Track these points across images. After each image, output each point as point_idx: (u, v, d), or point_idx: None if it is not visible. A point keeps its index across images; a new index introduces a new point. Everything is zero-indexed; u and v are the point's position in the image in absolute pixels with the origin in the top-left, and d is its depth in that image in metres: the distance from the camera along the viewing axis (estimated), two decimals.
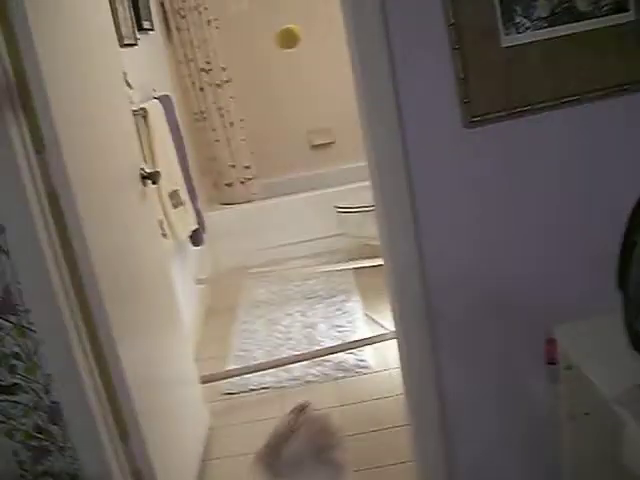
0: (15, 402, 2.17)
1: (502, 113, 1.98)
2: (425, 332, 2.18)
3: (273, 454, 2.01)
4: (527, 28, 1.95)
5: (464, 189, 2.07)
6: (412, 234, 2.08)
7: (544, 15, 1.94)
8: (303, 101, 6.13)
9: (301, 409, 2.08)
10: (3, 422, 2.18)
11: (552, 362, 2.10)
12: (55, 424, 2.20)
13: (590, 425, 1.98)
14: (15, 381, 2.15)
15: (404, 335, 2.21)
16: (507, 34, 1.94)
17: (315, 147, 6.30)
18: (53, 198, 2.11)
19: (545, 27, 1.95)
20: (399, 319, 2.21)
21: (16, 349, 2.12)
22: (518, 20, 1.94)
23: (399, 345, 2.33)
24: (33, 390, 2.16)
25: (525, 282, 2.15)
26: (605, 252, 1.92)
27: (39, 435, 2.21)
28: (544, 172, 2.06)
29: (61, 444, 2.22)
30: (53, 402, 2.17)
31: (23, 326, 2.09)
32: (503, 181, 2.06)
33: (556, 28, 1.95)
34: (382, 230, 2.17)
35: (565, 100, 1.99)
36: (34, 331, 2.10)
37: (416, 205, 2.06)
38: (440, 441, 2.28)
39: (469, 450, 2.32)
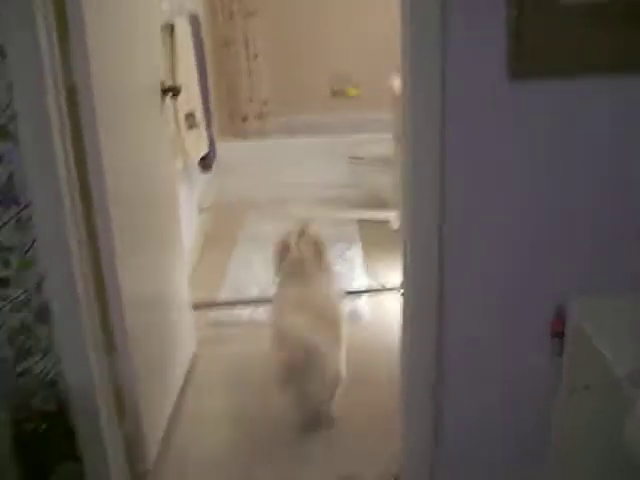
0: (4, 296, 2.11)
1: (549, 71, 1.89)
2: (434, 287, 2.11)
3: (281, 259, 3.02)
4: None
5: (498, 143, 1.99)
6: (437, 187, 2.00)
7: None
8: (330, 44, 5.99)
9: (301, 233, 2.99)
10: None
11: (557, 335, 2.05)
12: (42, 325, 2.14)
13: (588, 399, 1.96)
14: (7, 274, 2.09)
15: (412, 285, 2.15)
16: None
17: (336, 92, 6.18)
18: (72, 92, 2.02)
19: None
20: (410, 268, 2.14)
21: (12, 242, 2.05)
22: None
23: (405, 296, 2.26)
24: (24, 287, 2.10)
25: (543, 249, 2.08)
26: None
27: (25, 334, 2.15)
28: (583, 138, 1.97)
29: (45, 347, 2.17)
30: (43, 302, 2.11)
31: (22, 219, 2.02)
32: (539, 141, 1.98)
33: None
34: (405, 180, 2.09)
35: (618, 69, 1.90)
36: (32, 226, 2.03)
37: (446, 158, 1.98)
38: (431, 401, 2.23)
39: (460, 413, 2.27)
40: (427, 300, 2.13)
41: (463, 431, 2.30)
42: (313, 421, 2.85)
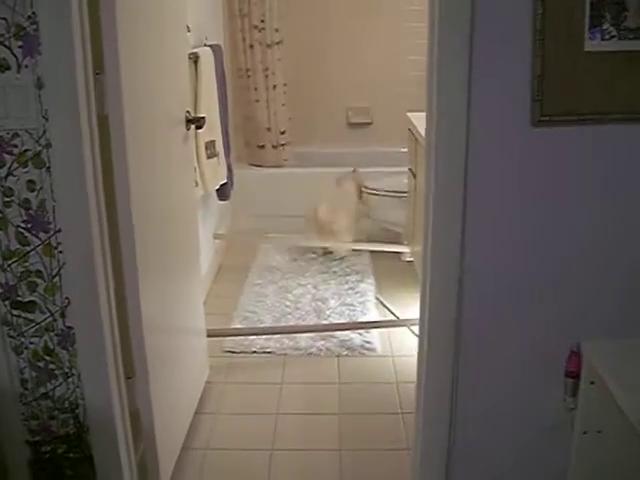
0: (29, 320, 2.15)
1: (571, 117, 1.94)
2: (450, 327, 2.15)
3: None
4: (613, 36, 1.89)
5: (516, 187, 2.03)
6: (459, 225, 2.04)
7: (632, 27, 1.89)
8: (348, 78, 6.07)
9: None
10: (14, 337, 2.17)
11: (572, 375, 2.08)
12: (65, 349, 2.18)
13: (600, 443, 1.97)
14: (33, 299, 2.13)
15: (429, 323, 2.18)
16: (591, 39, 1.89)
17: (352, 125, 6.25)
18: (103, 121, 2.08)
19: (630, 38, 1.89)
20: (427, 305, 2.18)
21: (39, 267, 2.10)
22: (605, 27, 1.88)
23: (421, 331, 2.29)
24: (49, 311, 2.15)
25: (559, 291, 2.12)
26: None
27: (47, 357, 2.19)
28: (602, 184, 2.02)
29: (67, 370, 2.21)
30: (67, 326, 2.16)
31: (51, 245, 2.07)
32: (557, 186, 2.02)
33: None
34: (426, 215, 2.13)
35: (637, 116, 1.94)
36: (61, 252, 2.08)
37: (467, 196, 2.02)
38: (446, 439, 2.26)
39: (472, 448, 2.29)
40: (444, 336, 2.17)
41: (475, 469, 2.33)
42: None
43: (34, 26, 1.88)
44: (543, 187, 2.02)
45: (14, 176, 2.01)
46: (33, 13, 1.87)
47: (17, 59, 1.91)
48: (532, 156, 2.00)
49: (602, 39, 1.90)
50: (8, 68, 1.92)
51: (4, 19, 1.88)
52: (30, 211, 2.04)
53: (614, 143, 1.98)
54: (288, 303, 4.30)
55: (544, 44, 1.88)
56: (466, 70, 1.91)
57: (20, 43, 1.90)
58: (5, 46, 1.90)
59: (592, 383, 1.93)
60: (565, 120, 1.95)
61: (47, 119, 1.95)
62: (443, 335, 2.17)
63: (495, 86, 1.94)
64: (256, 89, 5.74)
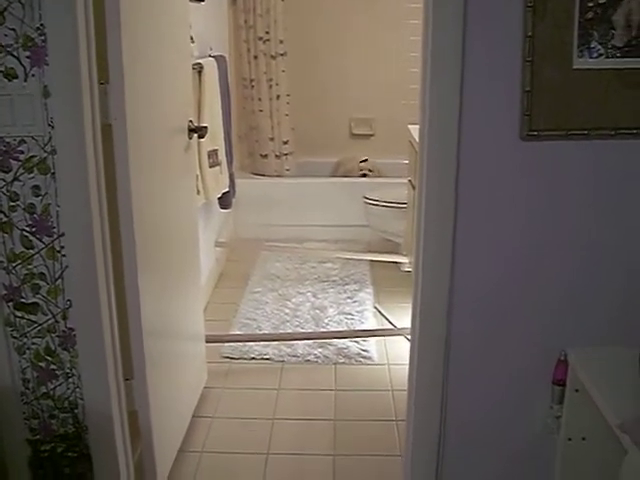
0: (32, 321, 2.21)
1: (560, 132, 2.00)
2: (440, 337, 2.20)
3: None
4: (600, 54, 1.96)
5: (506, 200, 2.09)
6: (449, 236, 2.10)
7: (619, 45, 1.95)
8: (351, 89, 6.15)
9: None
10: (16, 338, 2.23)
11: (559, 383, 2.13)
12: (66, 350, 2.24)
13: (585, 450, 2.02)
14: (36, 301, 2.19)
15: (420, 333, 2.24)
16: (580, 56, 1.95)
17: (355, 136, 6.32)
18: (107, 129, 2.15)
19: (618, 57, 1.96)
20: (418, 317, 2.23)
21: (43, 270, 2.16)
22: (593, 45, 1.95)
23: (412, 341, 2.35)
24: (51, 313, 2.21)
25: (549, 301, 2.17)
26: (636, 289, 1.96)
27: (49, 358, 2.25)
28: (588, 197, 2.07)
29: (68, 371, 2.26)
30: (69, 328, 2.21)
31: (54, 248, 2.14)
32: (546, 200, 2.08)
33: (628, 59, 1.96)
34: (418, 228, 2.19)
35: (622, 132, 2.00)
36: (64, 255, 2.14)
37: (457, 208, 2.08)
38: (436, 446, 2.31)
39: (462, 455, 2.35)
40: (435, 346, 2.22)
41: (465, 476, 2.38)
42: None
43: (42, 37, 1.95)
44: (532, 200, 2.08)
45: (20, 181, 2.07)
46: (41, 25, 1.94)
47: (25, 68, 1.98)
48: (521, 169, 2.06)
49: (590, 57, 1.96)
50: (16, 77, 1.99)
51: (13, 30, 1.95)
52: (35, 215, 2.11)
53: (601, 158, 2.04)
54: (287, 311, 4.36)
55: (533, 61, 1.95)
56: (457, 86, 1.98)
57: (28, 53, 1.97)
58: (13, 56, 1.97)
59: (577, 391, 1.98)
60: (554, 135, 2.01)
61: (53, 127, 2.02)
62: (433, 345, 2.23)
63: (485, 101, 2.01)
64: (260, 99, 5.82)
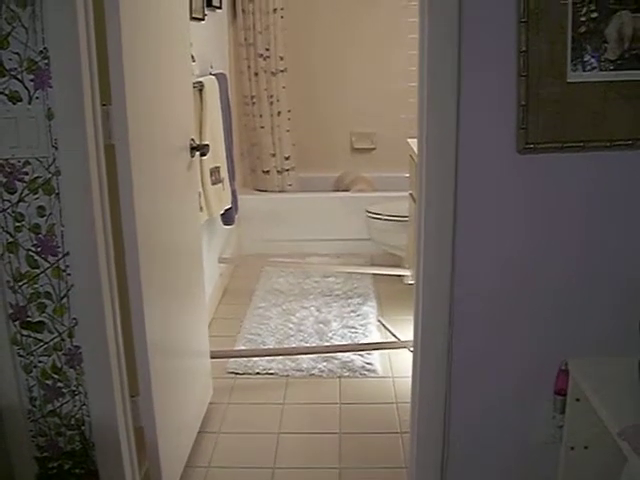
0: (38, 340, 2.24)
1: (556, 145, 2.03)
2: (442, 348, 2.23)
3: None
4: (594, 68, 1.99)
5: (504, 211, 2.12)
6: (449, 249, 2.13)
7: (612, 58, 1.99)
8: (351, 103, 6.18)
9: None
10: (23, 356, 2.26)
11: (561, 393, 2.15)
12: (72, 368, 2.27)
13: (587, 458, 2.04)
14: (42, 319, 2.22)
15: (422, 346, 2.26)
16: (574, 70, 1.99)
17: (356, 150, 6.36)
18: (109, 150, 2.18)
19: (611, 70, 1.99)
20: (420, 330, 2.26)
21: (48, 289, 2.19)
22: (587, 59, 1.98)
23: (414, 354, 2.37)
24: (57, 331, 2.23)
25: (548, 312, 2.19)
26: (633, 299, 1.98)
27: (55, 376, 2.28)
28: (585, 209, 2.10)
29: (74, 388, 2.29)
30: (75, 346, 2.24)
31: (59, 268, 2.17)
32: (543, 211, 2.11)
33: (621, 72, 2.00)
34: (418, 241, 2.22)
35: (618, 143, 2.03)
36: (69, 274, 2.17)
37: (457, 220, 2.11)
38: (439, 454, 2.33)
39: (467, 464, 2.36)
40: (437, 358, 2.25)
41: None
42: None
43: (45, 61, 1.99)
44: (530, 211, 2.11)
45: (25, 202, 2.11)
46: (45, 48, 1.98)
47: (29, 91, 2.02)
48: (519, 182, 2.09)
49: (584, 70, 2.00)
50: (20, 100, 2.03)
51: (17, 54, 1.99)
52: (40, 235, 2.14)
53: (598, 169, 2.07)
54: (291, 325, 4.38)
55: (528, 75, 1.98)
56: (454, 100, 2.01)
57: (32, 77, 2.01)
58: (17, 79, 2.01)
59: (578, 400, 2.00)
60: (550, 147, 2.04)
61: (57, 148, 2.06)
62: (435, 357, 2.26)
63: (482, 116, 2.04)
64: (261, 116, 5.86)
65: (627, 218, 2.11)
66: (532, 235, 2.13)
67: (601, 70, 2.00)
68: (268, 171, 5.97)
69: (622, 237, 2.13)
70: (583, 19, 1.96)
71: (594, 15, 1.95)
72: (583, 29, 1.96)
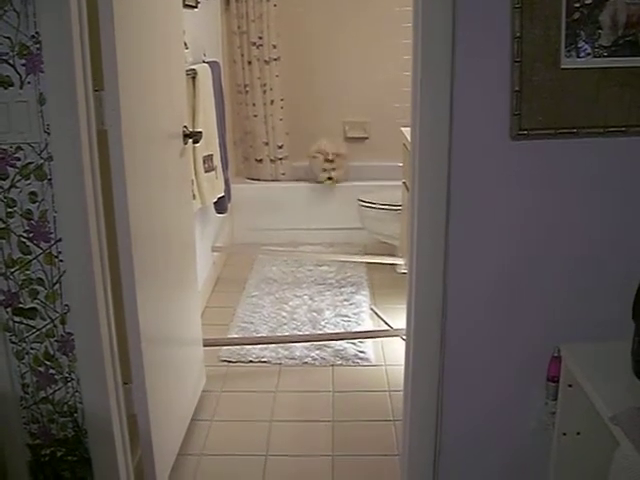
0: (31, 326, 2.23)
1: (549, 131, 2.03)
2: (435, 336, 2.23)
3: None
4: (588, 54, 1.99)
5: (498, 198, 2.12)
6: (442, 237, 2.13)
7: (606, 44, 1.98)
8: (344, 92, 6.16)
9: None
10: (15, 343, 2.25)
11: (553, 379, 2.15)
12: (65, 354, 2.26)
13: (579, 444, 2.04)
14: (34, 306, 2.21)
15: (415, 334, 2.26)
16: (568, 56, 1.98)
17: (349, 139, 6.34)
18: (102, 136, 2.17)
19: (605, 56, 1.99)
20: (413, 319, 2.26)
21: (40, 275, 2.18)
22: (580, 45, 1.98)
23: (407, 342, 2.38)
24: (50, 318, 2.22)
25: (542, 298, 2.20)
26: (626, 284, 1.98)
27: (48, 362, 2.27)
28: (578, 195, 2.10)
29: (66, 375, 2.28)
30: (67, 333, 2.23)
31: (52, 254, 2.16)
32: (537, 197, 2.11)
33: (615, 59, 1.99)
34: (411, 229, 2.22)
35: (612, 130, 2.03)
36: (61, 260, 2.16)
37: (450, 208, 2.11)
38: (431, 441, 2.33)
39: (458, 454, 2.37)
40: (430, 346, 2.25)
41: (462, 473, 2.40)
42: None
43: (37, 45, 1.98)
44: (523, 198, 2.11)
45: (17, 188, 2.10)
46: (36, 33, 1.97)
47: (20, 76, 2.01)
48: (512, 168, 2.08)
49: (578, 56, 1.99)
50: (11, 85, 2.02)
51: (8, 38, 1.98)
52: (32, 221, 2.13)
53: (591, 155, 2.07)
54: (284, 314, 4.38)
55: (522, 62, 1.98)
56: (448, 87, 2.01)
57: (23, 61, 2.00)
58: (9, 64, 2.00)
59: (570, 386, 2.00)
60: (543, 134, 2.03)
61: (49, 133, 2.05)
62: (428, 345, 2.25)
63: (476, 102, 2.04)
64: (254, 104, 5.85)
65: (621, 204, 2.11)
66: (526, 221, 2.13)
67: (595, 56, 1.99)
68: (261, 160, 5.96)
69: (616, 223, 2.13)
70: (577, 5, 1.95)
71: (588, 1, 1.95)
72: (577, 15, 1.96)
